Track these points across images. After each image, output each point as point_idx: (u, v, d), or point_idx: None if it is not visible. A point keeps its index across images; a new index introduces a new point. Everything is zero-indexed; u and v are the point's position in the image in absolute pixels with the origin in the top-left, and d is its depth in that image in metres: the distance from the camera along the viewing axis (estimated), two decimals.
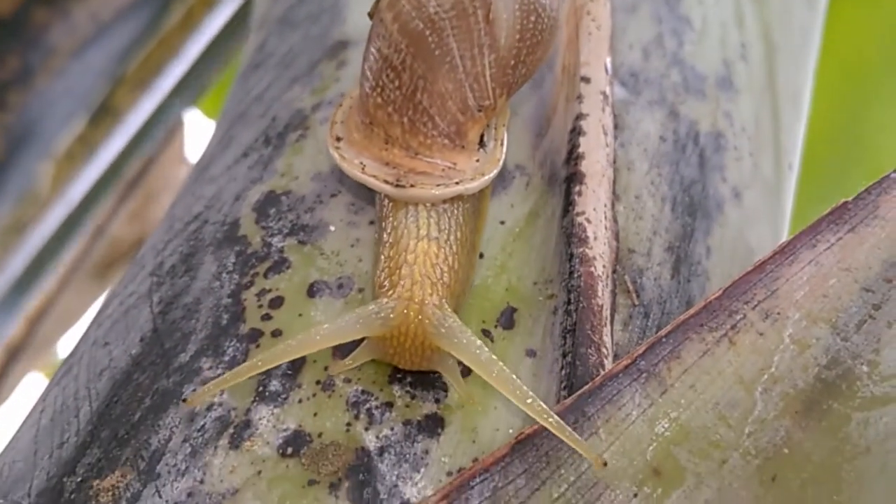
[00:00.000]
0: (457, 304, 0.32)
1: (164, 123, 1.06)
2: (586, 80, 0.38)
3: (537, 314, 0.33)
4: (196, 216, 0.38)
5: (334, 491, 0.28)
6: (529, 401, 0.28)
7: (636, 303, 0.34)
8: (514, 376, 0.29)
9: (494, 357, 0.29)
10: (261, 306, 0.33)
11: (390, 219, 0.33)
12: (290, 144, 0.40)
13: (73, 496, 0.29)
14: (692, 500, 0.28)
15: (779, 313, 0.31)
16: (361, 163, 0.34)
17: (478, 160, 0.34)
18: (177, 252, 0.37)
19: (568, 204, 0.35)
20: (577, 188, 0.35)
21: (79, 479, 0.29)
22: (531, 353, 0.32)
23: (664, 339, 0.31)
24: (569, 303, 0.32)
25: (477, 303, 0.33)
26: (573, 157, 0.36)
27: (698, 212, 0.39)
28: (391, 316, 0.30)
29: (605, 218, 0.35)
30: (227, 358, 0.31)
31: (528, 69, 0.35)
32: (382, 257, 0.32)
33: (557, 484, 0.28)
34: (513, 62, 0.34)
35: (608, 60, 0.40)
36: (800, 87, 0.51)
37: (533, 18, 0.34)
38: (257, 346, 0.32)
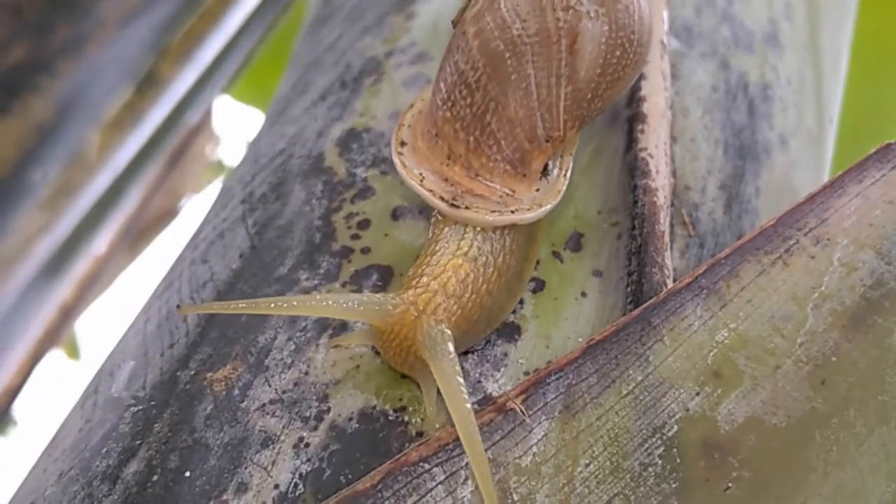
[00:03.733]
0: (470, 328, 0.31)
1: (204, 95, 1.09)
2: None
3: (602, 239, 0.36)
4: (280, 151, 0.41)
5: None
6: (466, 433, 0.28)
7: (692, 234, 0.37)
8: (469, 407, 0.28)
9: (463, 387, 0.29)
10: (350, 227, 0.36)
11: (436, 230, 0.33)
12: (367, 88, 0.42)
13: (187, 386, 0.32)
14: (749, 400, 0.31)
15: (828, 239, 0.34)
16: (421, 174, 0.33)
17: (538, 190, 0.33)
18: (266, 182, 0.40)
19: (631, 141, 0.38)
20: (639, 127, 0.38)
21: (192, 372, 0.32)
22: (598, 273, 0.35)
23: (723, 261, 0.33)
24: (633, 228, 0.35)
25: (546, 230, 0.36)
26: (635, 99, 0.39)
27: (748, 155, 0.41)
28: (391, 312, 0.31)
29: (665, 154, 0.38)
30: (322, 271, 0.34)
31: (603, 103, 0.33)
32: (416, 262, 0.32)
33: (626, 382, 0.31)
34: (590, 95, 0.32)
35: (665, 13, 0.43)
36: (839, 46, 0.53)
37: (618, 53, 0.32)
38: (348, 262, 0.35)
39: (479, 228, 0.32)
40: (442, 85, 0.33)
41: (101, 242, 1.09)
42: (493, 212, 0.32)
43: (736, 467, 0.30)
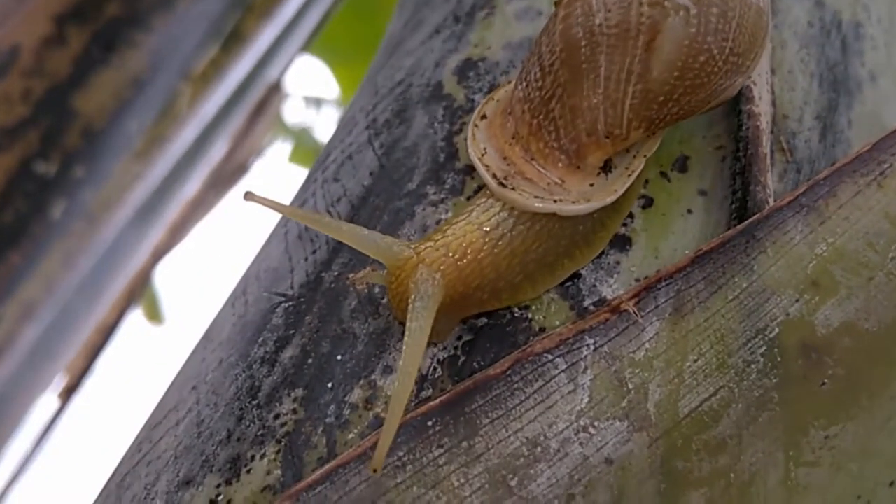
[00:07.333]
0: (470, 293, 0.32)
1: (283, 52, 1.12)
2: None
3: (707, 161, 0.39)
4: (399, 82, 0.45)
5: None
6: (405, 373, 0.30)
7: (790, 159, 0.40)
8: (420, 352, 0.30)
9: (421, 336, 0.30)
10: None
11: (475, 198, 0.34)
12: (480, 21, 0.45)
13: (332, 285, 0.36)
14: (844, 307, 0.34)
15: None
16: (484, 148, 0.34)
17: (591, 185, 0.33)
18: (388, 109, 0.43)
19: None
20: None
21: (335, 274, 0.36)
22: (702, 193, 0.38)
23: (823, 181, 0.36)
24: (737, 150, 0.38)
25: (654, 153, 0.39)
26: None
27: (841, 89, 0.43)
28: (398, 255, 0.32)
29: (767, 83, 0.40)
30: (447, 186, 0.38)
31: (682, 109, 0.32)
32: (445, 222, 0.34)
33: (732, 289, 0.34)
34: (662, 98, 0.32)
35: None
36: None
37: (702, 59, 0.31)
38: (472, 178, 0.38)
39: (512, 209, 0.33)
40: (523, 64, 0.35)
41: (190, 190, 1.15)
42: (537, 197, 0.32)
43: (831, 366, 0.33)
